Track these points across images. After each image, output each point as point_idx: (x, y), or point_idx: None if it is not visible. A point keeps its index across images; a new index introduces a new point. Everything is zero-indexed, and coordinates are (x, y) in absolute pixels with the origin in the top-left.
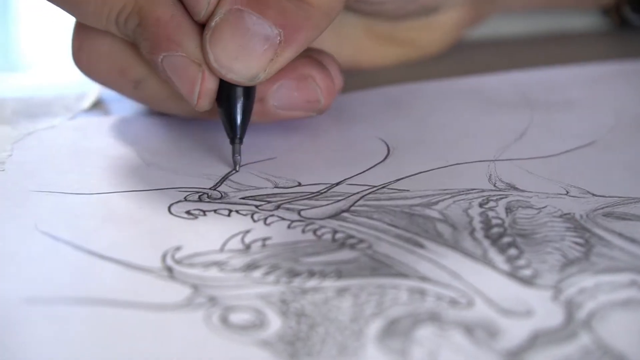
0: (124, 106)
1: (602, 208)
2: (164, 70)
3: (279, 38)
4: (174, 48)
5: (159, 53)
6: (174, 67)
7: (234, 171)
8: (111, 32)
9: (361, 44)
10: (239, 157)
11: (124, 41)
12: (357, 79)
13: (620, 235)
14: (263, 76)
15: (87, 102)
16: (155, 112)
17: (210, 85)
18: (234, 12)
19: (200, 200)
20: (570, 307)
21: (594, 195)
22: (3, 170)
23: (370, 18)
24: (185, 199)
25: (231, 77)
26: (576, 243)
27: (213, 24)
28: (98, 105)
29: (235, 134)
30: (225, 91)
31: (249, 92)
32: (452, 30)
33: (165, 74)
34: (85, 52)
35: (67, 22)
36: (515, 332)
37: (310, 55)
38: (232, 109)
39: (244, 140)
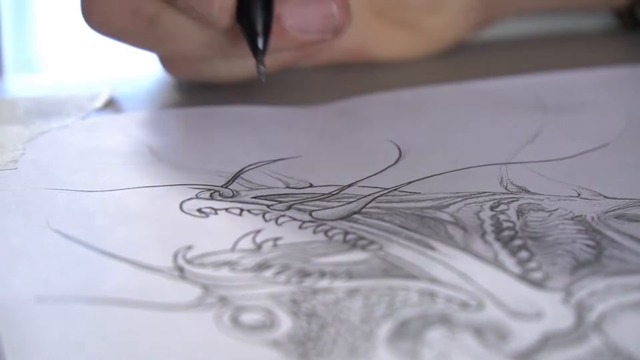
0: (137, 105)
1: (614, 210)
2: None
3: None
4: None
5: None
6: None
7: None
8: None
9: (369, 28)
10: (263, 67)
11: None
12: (371, 80)
13: (632, 237)
14: None
15: (100, 102)
16: (168, 103)
17: (229, 1)
18: None
19: (211, 198)
20: (580, 310)
21: (605, 197)
22: (16, 168)
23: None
24: (197, 196)
25: None
26: (587, 245)
27: None
28: (110, 105)
29: (256, 45)
30: (245, 6)
31: (268, 5)
32: (459, 15)
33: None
34: (95, 4)
35: (80, 23)
36: (526, 334)
37: None
38: (253, 21)
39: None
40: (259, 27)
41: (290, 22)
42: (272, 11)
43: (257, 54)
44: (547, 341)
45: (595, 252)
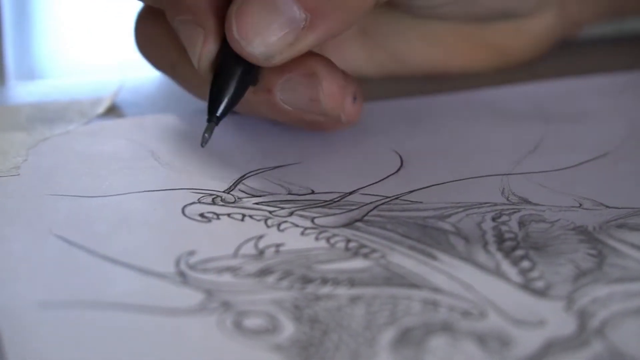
0: (139, 111)
1: (616, 220)
2: (179, 36)
3: (303, 23)
4: (184, 12)
5: (174, 17)
6: (184, 30)
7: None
8: (147, 2)
9: (451, 48)
10: (207, 136)
11: (167, 24)
12: (371, 90)
13: (633, 245)
14: (278, 58)
15: (102, 108)
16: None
17: (209, 48)
18: None
19: (214, 203)
20: (583, 316)
21: (607, 207)
22: (18, 174)
23: (458, 22)
24: (199, 201)
25: (249, 51)
26: (589, 254)
27: None
28: (113, 111)
29: (214, 112)
30: (225, 66)
31: (245, 77)
32: (542, 36)
33: (180, 39)
34: (140, 34)
35: (81, 29)
36: (528, 341)
37: (327, 59)
38: (224, 83)
39: (248, 139)
40: (227, 94)
41: (280, 96)
42: (246, 86)
43: (210, 119)
44: (549, 348)
45: (597, 261)
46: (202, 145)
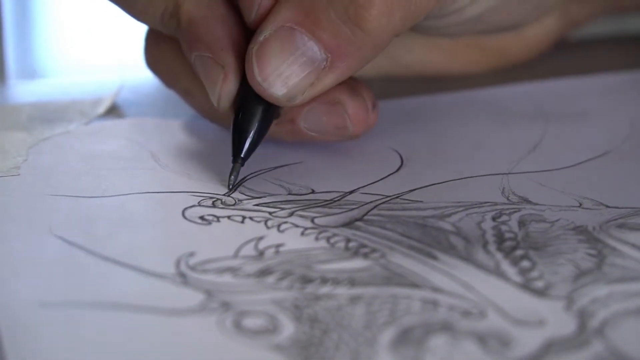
0: (139, 111)
1: (616, 219)
2: (196, 70)
3: (324, 63)
4: (202, 48)
5: (191, 52)
6: (202, 67)
7: (229, 188)
8: (162, 31)
9: (451, 52)
10: (234, 177)
11: (180, 49)
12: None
13: (634, 245)
14: (300, 99)
15: (102, 108)
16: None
17: (230, 88)
18: (286, 29)
19: (214, 206)
20: (583, 316)
21: (607, 206)
22: (18, 174)
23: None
24: (199, 204)
25: (270, 93)
26: (589, 254)
27: (261, 38)
28: (113, 111)
29: (239, 154)
30: (246, 104)
31: (267, 115)
32: (543, 39)
33: (197, 73)
34: (151, 54)
35: (82, 29)
36: (528, 341)
37: (345, 82)
38: (246, 123)
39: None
40: (249, 136)
41: (304, 125)
42: (269, 123)
43: (235, 160)
44: (549, 347)
45: (597, 261)
46: (228, 188)
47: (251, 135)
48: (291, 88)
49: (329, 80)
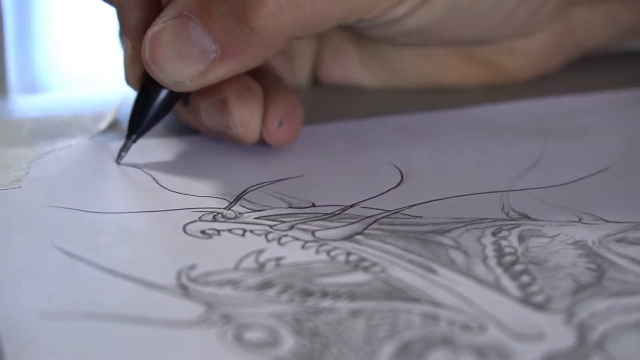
0: None
1: (615, 234)
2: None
3: (214, 55)
4: (122, 30)
5: (121, 36)
6: (122, 43)
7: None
8: None
9: (446, 63)
10: (124, 153)
11: None
12: (372, 105)
13: (633, 260)
14: (189, 85)
15: (104, 123)
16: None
17: (135, 68)
18: (182, 17)
19: (214, 220)
20: (582, 330)
21: (606, 221)
22: (20, 187)
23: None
24: (200, 219)
25: (159, 76)
26: (588, 269)
27: (160, 22)
28: (115, 126)
29: (133, 130)
30: (148, 85)
31: (168, 100)
32: (538, 57)
33: None
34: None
35: (83, 43)
36: (528, 355)
37: (244, 82)
38: (145, 103)
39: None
40: (145, 116)
41: (205, 118)
42: (167, 109)
43: (129, 136)
44: None
45: (597, 275)
46: (117, 162)
47: (148, 115)
48: (179, 73)
49: (220, 71)
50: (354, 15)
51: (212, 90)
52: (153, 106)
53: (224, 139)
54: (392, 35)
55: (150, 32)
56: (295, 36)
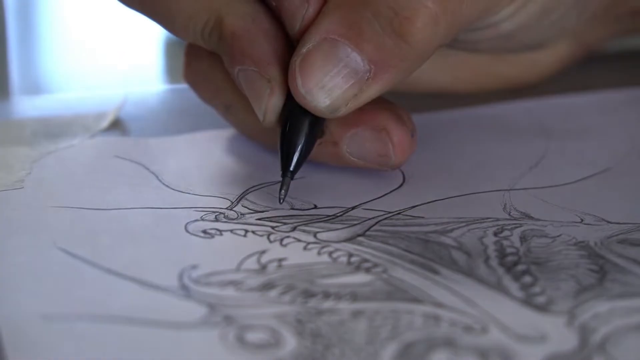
0: (143, 126)
1: (617, 235)
2: (239, 84)
3: (368, 74)
4: (247, 62)
5: (234, 66)
6: (246, 81)
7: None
8: (202, 46)
9: (458, 75)
10: (284, 192)
11: (222, 63)
12: None
13: (635, 261)
14: (344, 110)
15: (106, 122)
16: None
17: (276, 102)
18: (330, 41)
19: (216, 220)
20: (584, 332)
21: (608, 222)
22: (22, 187)
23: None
24: (202, 219)
25: (314, 105)
26: (590, 270)
27: (304, 50)
28: (117, 125)
29: (288, 167)
30: (292, 119)
31: (314, 129)
32: (553, 67)
33: (241, 87)
34: (191, 69)
35: (85, 43)
36: (530, 356)
37: (390, 108)
38: (294, 137)
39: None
40: (297, 150)
41: (347, 149)
42: (315, 137)
43: (285, 174)
44: None
45: (599, 277)
46: (280, 202)
47: (299, 148)
48: (334, 99)
49: (373, 91)
50: (483, 14)
51: (361, 119)
52: (302, 137)
53: (363, 168)
54: (482, 39)
55: (297, 60)
56: (442, 44)
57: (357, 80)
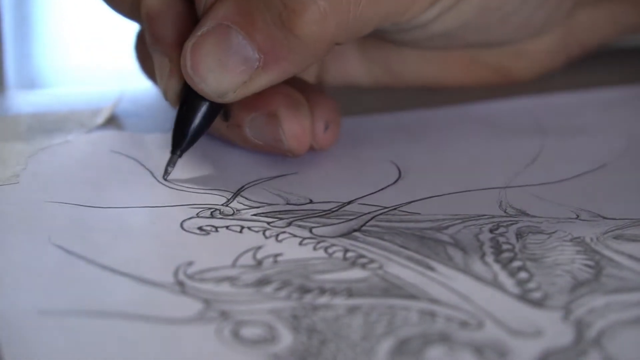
0: (138, 122)
1: (613, 230)
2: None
3: (257, 63)
4: (155, 43)
5: (149, 44)
6: (155, 59)
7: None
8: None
9: (446, 66)
10: (171, 168)
11: None
12: (370, 103)
13: (631, 256)
14: (232, 96)
15: (102, 118)
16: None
17: (174, 83)
18: (222, 27)
19: (212, 216)
20: (580, 327)
21: (604, 218)
22: (17, 182)
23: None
24: (198, 215)
25: (202, 87)
26: (586, 265)
27: (199, 33)
28: (112, 121)
29: (178, 145)
30: (189, 99)
31: (210, 111)
32: (542, 59)
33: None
34: (138, 51)
35: (81, 39)
36: (526, 352)
37: (289, 94)
38: (187, 117)
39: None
40: (190, 129)
41: (249, 132)
42: (210, 121)
43: (174, 151)
44: (547, 358)
45: (594, 272)
46: (164, 178)
47: (191, 129)
48: (222, 84)
49: (264, 80)
50: (390, 19)
51: (257, 104)
52: (195, 119)
53: (269, 152)
54: (417, 39)
55: (189, 43)
56: (337, 42)
57: (246, 67)
